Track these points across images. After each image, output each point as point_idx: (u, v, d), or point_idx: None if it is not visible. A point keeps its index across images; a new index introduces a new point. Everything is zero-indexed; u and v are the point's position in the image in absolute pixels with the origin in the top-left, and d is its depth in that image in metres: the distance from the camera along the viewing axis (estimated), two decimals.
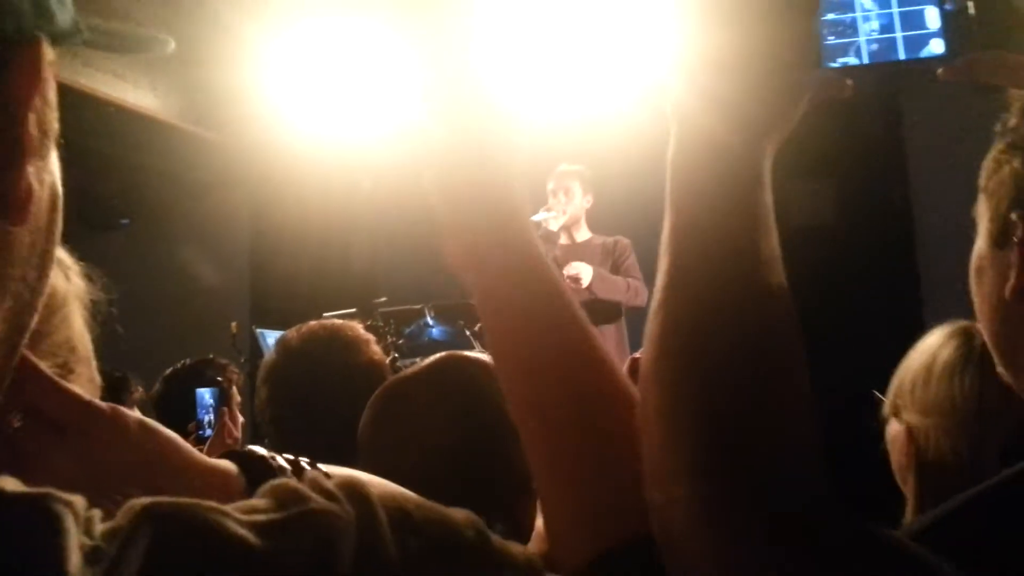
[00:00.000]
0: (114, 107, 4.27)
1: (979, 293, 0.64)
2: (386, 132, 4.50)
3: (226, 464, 0.63)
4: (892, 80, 4.50)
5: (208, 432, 2.34)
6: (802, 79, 0.54)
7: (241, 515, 0.33)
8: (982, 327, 0.65)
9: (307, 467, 0.66)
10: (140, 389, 2.59)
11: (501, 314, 0.62)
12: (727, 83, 0.52)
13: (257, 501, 0.35)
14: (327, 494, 0.36)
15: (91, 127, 4.35)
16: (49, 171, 0.42)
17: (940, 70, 0.61)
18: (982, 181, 0.63)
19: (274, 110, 4.49)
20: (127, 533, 0.31)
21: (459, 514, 0.42)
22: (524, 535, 0.86)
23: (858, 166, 4.65)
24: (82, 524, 0.31)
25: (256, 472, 0.62)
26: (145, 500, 0.32)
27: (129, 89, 4.41)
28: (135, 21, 4.40)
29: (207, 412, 2.50)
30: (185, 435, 2.90)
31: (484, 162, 0.62)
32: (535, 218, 3.61)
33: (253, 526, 0.32)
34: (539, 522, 1.24)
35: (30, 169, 0.39)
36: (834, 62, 0.62)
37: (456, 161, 0.62)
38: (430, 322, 3.87)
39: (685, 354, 0.50)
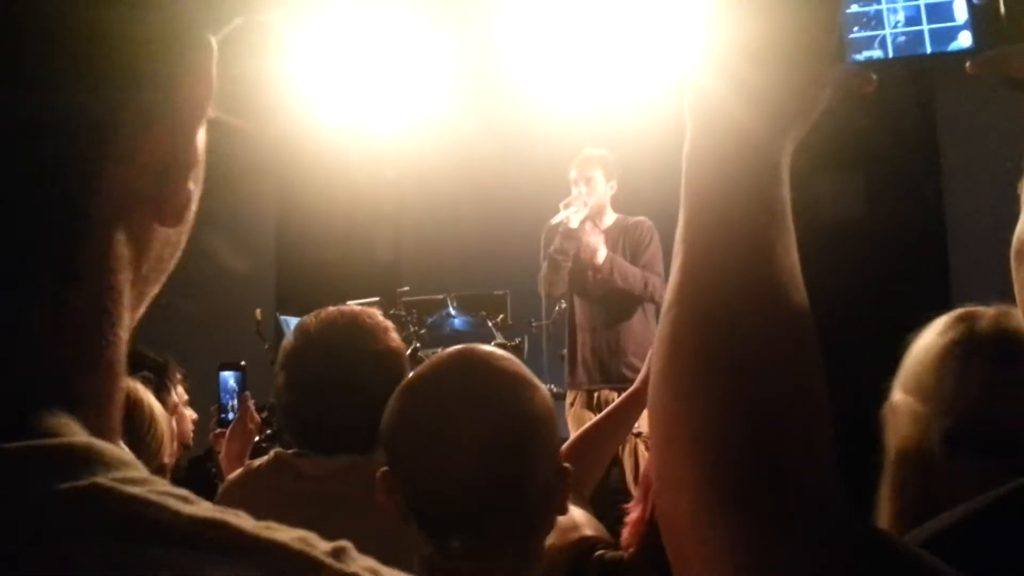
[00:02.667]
0: None
1: (1019, 276, 0.61)
2: (411, 122, 4.50)
3: None
4: (925, 74, 4.42)
5: (230, 416, 2.35)
6: (825, 71, 0.53)
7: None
8: (1020, 310, 0.62)
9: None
10: (180, 373, 2.64)
11: None
12: (752, 70, 0.51)
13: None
14: None
15: None
16: (198, 173, 0.42)
17: (968, 64, 0.59)
18: None
19: (301, 99, 4.52)
20: None
21: None
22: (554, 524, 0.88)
23: (891, 160, 4.58)
24: None
25: None
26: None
27: None
28: None
29: (231, 396, 2.51)
30: (207, 418, 2.94)
31: None
32: (553, 221, 3.46)
33: None
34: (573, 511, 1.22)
35: (191, 176, 0.40)
36: (859, 55, 0.60)
37: None
38: (452, 312, 3.88)
39: (698, 355, 0.49)
